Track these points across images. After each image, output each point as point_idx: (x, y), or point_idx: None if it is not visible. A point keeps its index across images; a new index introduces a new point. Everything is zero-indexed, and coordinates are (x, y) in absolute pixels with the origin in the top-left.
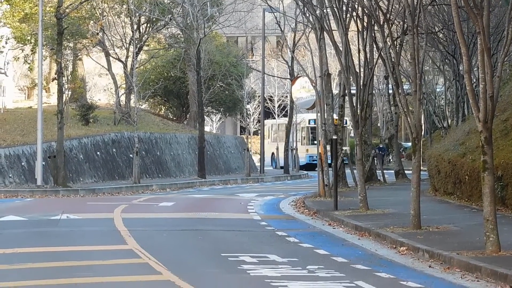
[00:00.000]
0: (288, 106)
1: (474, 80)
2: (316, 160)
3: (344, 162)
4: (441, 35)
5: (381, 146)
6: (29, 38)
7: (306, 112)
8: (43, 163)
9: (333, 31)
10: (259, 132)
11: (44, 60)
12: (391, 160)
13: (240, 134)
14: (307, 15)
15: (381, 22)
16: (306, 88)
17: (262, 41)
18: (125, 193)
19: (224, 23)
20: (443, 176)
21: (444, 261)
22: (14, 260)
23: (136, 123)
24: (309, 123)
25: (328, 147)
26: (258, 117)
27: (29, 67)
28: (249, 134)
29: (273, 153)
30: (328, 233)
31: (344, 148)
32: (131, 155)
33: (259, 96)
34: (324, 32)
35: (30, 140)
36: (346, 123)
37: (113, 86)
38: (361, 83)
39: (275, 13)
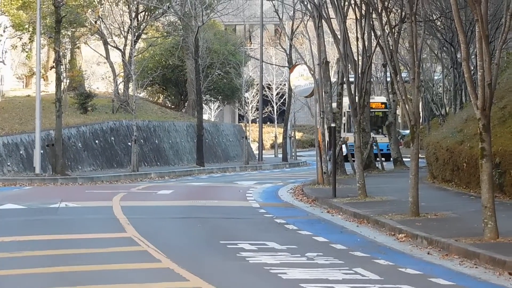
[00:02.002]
0: (286, 94)
1: (472, 68)
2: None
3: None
4: (439, 23)
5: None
6: (27, 26)
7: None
8: (42, 151)
9: (331, 19)
10: (257, 120)
11: (42, 48)
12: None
13: (239, 122)
14: (305, 3)
15: (379, 10)
16: (304, 76)
17: (260, 29)
18: (123, 181)
19: (222, 11)
20: (441, 164)
21: (442, 248)
22: (13, 248)
23: (135, 111)
24: (349, 108)
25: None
26: (256, 105)
27: (27, 56)
28: (248, 122)
29: None
30: (326, 220)
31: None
32: (129, 143)
33: (257, 84)
34: (322, 20)
35: (29, 128)
36: (387, 107)
37: (112, 74)
38: (359, 71)
39: (273, 1)
